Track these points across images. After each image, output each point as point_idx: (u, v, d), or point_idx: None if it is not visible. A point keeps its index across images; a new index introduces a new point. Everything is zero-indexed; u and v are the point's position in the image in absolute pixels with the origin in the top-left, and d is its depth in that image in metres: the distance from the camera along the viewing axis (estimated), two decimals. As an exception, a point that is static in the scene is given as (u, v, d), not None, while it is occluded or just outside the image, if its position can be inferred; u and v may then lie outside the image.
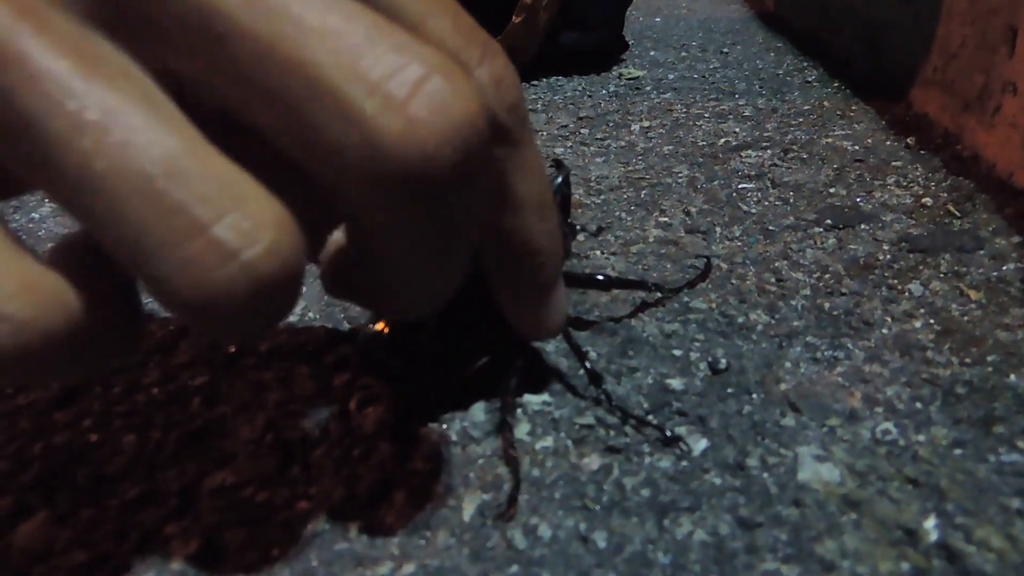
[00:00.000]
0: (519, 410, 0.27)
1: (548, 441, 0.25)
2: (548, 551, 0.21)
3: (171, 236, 0.12)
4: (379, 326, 0.28)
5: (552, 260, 0.19)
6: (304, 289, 0.36)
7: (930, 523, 0.21)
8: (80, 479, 0.25)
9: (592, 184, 0.47)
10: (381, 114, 0.12)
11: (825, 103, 0.62)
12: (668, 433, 0.25)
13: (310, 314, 0.34)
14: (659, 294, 0.33)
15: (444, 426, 0.26)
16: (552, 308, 0.21)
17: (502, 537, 0.22)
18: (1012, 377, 0.27)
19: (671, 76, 0.74)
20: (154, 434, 0.27)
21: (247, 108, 0.13)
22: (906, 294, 0.33)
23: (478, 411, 0.27)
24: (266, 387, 0.29)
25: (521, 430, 0.26)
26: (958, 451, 0.24)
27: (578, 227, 0.40)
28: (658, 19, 1.10)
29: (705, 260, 0.36)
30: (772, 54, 0.83)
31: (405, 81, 0.12)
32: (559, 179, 0.29)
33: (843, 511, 0.22)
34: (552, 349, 0.30)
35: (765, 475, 0.23)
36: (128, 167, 0.11)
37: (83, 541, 0.23)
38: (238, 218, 0.12)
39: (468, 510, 0.23)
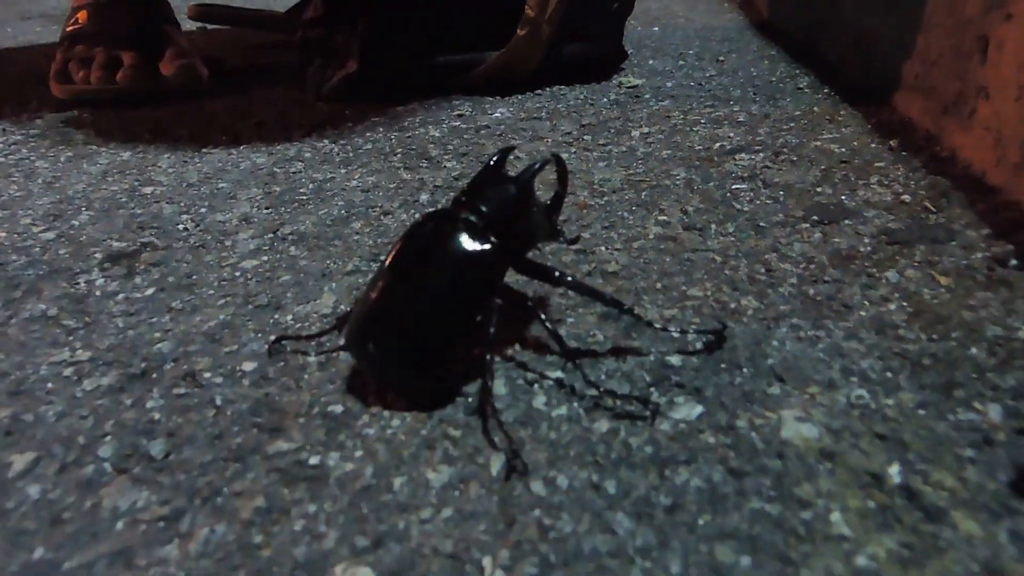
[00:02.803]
0: (535, 385, 0.30)
1: (563, 410, 0.29)
2: (566, 497, 0.25)
3: None
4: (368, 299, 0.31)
5: None
6: (334, 284, 0.39)
7: (894, 469, 0.24)
8: (150, 450, 0.29)
9: (596, 187, 0.51)
10: None
11: (815, 108, 0.66)
12: (651, 403, 0.28)
13: (342, 306, 0.38)
14: (615, 309, 0.32)
15: (470, 399, 0.30)
16: None
17: (525, 488, 0.25)
18: (973, 350, 0.30)
19: (669, 84, 0.78)
20: (211, 412, 0.31)
21: None
22: (883, 281, 0.36)
23: (500, 385, 0.30)
24: (309, 369, 0.33)
25: (539, 401, 0.29)
26: (922, 411, 0.27)
27: (563, 232, 0.34)
28: (656, 28, 1.13)
29: (722, 327, 0.33)
30: (766, 62, 0.86)
31: None
32: (537, 166, 0.31)
33: (820, 461, 0.25)
34: (564, 333, 0.33)
35: (753, 434, 0.27)
36: None
37: (160, 499, 0.26)
38: None
39: (494, 466, 0.26)
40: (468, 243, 0.30)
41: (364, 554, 0.23)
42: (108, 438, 0.30)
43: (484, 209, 0.30)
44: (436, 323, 0.30)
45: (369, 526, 0.24)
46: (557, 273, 0.32)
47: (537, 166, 0.31)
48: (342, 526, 0.24)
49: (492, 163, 0.32)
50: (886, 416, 0.27)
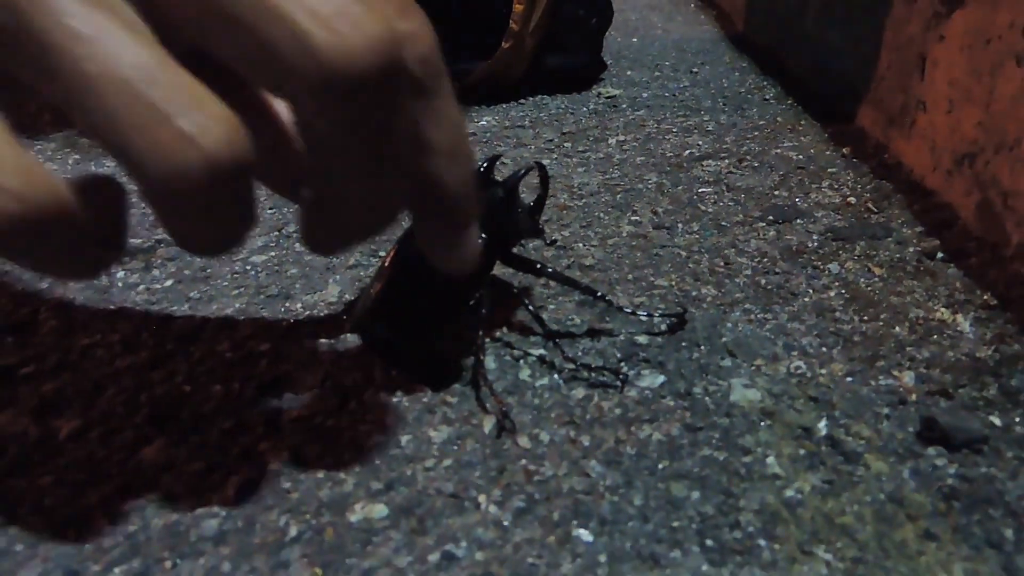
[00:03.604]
0: (521, 360, 0.35)
1: (545, 380, 0.33)
2: (547, 449, 0.29)
3: (145, 123, 0.16)
4: (374, 288, 0.35)
5: (461, 201, 0.23)
6: (339, 277, 0.44)
7: (822, 424, 0.29)
8: (183, 417, 0.33)
9: (575, 190, 0.55)
10: (315, 29, 0.16)
11: (779, 118, 0.71)
12: (621, 374, 0.33)
13: (347, 296, 0.42)
14: (590, 296, 0.36)
15: (465, 372, 0.34)
16: (462, 244, 0.25)
17: (513, 443, 0.30)
18: (897, 328, 0.35)
19: (645, 94, 0.82)
20: (235, 385, 0.35)
21: (213, 39, 0.17)
22: (826, 272, 0.41)
23: (490, 360, 0.35)
24: (320, 349, 0.37)
25: (524, 373, 0.34)
26: (849, 378, 0.32)
27: (544, 231, 0.40)
28: (635, 40, 1.18)
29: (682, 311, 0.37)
30: (737, 73, 0.92)
31: (332, 5, 0.16)
32: (522, 172, 0.35)
33: (761, 419, 0.30)
34: (546, 317, 0.38)
35: (706, 398, 0.31)
36: (114, 71, 0.15)
37: (197, 456, 0.30)
38: (197, 114, 0.16)
39: (487, 426, 0.31)
40: None
41: (379, 495, 0.27)
42: (144, 408, 0.34)
43: None
44: (435, 308, 0.34)
45: (382, 473, 0.28)
46: (539, 265, 0.36)
47: (522, 172, 0.35)
48: (358, 474, 0.29)
49: (481, 169, 0.36)
50: (819, 383, 0.32)
